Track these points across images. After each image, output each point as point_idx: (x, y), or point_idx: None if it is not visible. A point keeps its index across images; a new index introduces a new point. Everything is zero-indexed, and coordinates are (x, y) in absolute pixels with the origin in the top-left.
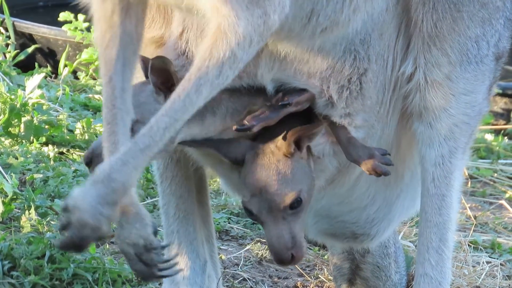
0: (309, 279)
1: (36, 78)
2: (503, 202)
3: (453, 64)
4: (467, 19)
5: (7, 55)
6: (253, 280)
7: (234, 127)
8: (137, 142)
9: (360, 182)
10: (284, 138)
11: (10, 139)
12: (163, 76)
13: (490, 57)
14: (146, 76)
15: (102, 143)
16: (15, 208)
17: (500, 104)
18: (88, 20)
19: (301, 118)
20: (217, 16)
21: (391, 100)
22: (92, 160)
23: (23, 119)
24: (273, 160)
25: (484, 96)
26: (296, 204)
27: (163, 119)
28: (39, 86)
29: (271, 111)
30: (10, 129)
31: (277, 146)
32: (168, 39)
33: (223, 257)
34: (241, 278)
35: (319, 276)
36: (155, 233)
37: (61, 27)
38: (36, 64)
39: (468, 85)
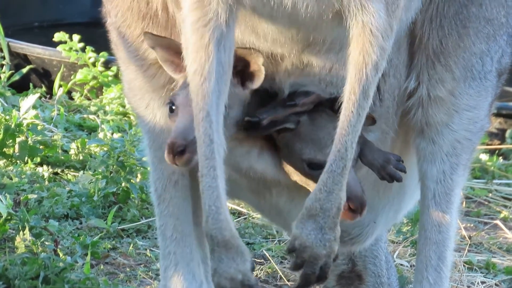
0: None
1: (30, 99)
2: (497, 222)
3: (457, 80)
4: (473, 35)
5: (2, 76)
6: None
7: (246, 118)
8: (333, 169)
9: None
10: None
11: (4, 160)
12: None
13: (493, 73)
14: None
15: (201, 177)
16: (10, 228)
17: (495, 124)
18: (83, 40)
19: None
20: (361, 15)
21: (397, 112)
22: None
23: (18, 139)
24: (329, 114)
25: (486, 113)
26: None
27: (347, 138)
28: (34, 107)
29: (279, 107)
30: (4, 149)
31: (324, 105)
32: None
33: None
34: None
35: None
36: (253, 269)
37: (56, 47)
38: (31, 85)
39: (471, 101)
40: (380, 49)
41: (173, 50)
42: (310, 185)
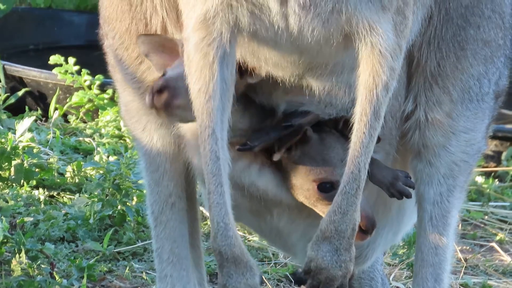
0: None
1: (26, 122)
2: (493, 244)
3: (455, 102)
4: (471, 57)
5: None
6: None
7: (237, 147)
8: (347, 191)
9: None
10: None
11: (0, 183)
12: None
13: (490, 95)
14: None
15: (208, 194)
16: (6, 251)
17: (491, 146)
18: (78, 63)
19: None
20: (370, 36)
21: (398, 133)
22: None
23: (14, 162)
24: (336, 134)
25: (483, 135)
26: None
27: (360, 159)
28: (30, 130)
29: (273, 130)
30: (0, 172)
31: (328, 125)
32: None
33: None
34: None
35: None
36: (261, 283)
37: (51, 70)
38: (27, 108)
39: (469, 123)
40: (390, 69)
41: (168, 50)
42: (318, 207)
